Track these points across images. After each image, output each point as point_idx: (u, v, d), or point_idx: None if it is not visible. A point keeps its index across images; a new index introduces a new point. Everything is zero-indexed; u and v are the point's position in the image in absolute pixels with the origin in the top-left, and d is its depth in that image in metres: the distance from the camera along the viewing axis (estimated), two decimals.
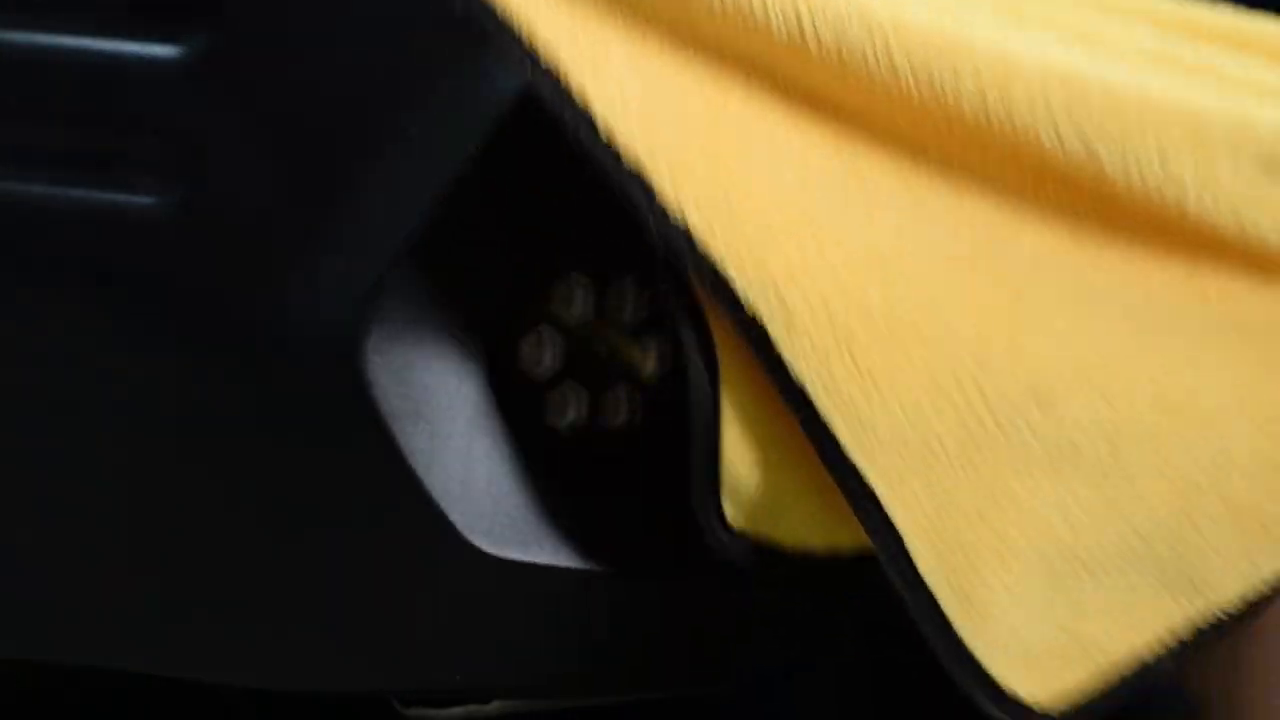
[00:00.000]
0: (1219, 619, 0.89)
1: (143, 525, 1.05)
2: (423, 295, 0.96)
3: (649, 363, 1.06)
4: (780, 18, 0.80)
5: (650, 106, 0.82)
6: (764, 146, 0.82)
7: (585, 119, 0.81)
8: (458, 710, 1.18)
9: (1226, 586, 0.88)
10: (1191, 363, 0.85)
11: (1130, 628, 0.88)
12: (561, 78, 0.81)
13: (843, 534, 0.91)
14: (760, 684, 1.38)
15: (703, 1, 0.81)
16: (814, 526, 0.91)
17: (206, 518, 1.03)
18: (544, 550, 0.99)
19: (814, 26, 0.79)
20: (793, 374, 0.84)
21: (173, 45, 1.01)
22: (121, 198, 1.02)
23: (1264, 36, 0.86)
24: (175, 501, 1.03)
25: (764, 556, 0.92)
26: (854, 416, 0.84)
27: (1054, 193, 0.83)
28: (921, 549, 0.87)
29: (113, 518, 1.05)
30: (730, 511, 0.90)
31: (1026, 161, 0.82)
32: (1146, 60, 0.83)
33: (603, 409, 1.05)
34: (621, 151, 0.82)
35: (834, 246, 0.82)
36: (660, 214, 0.82)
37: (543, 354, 1.03)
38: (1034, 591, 0.87)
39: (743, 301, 0.84)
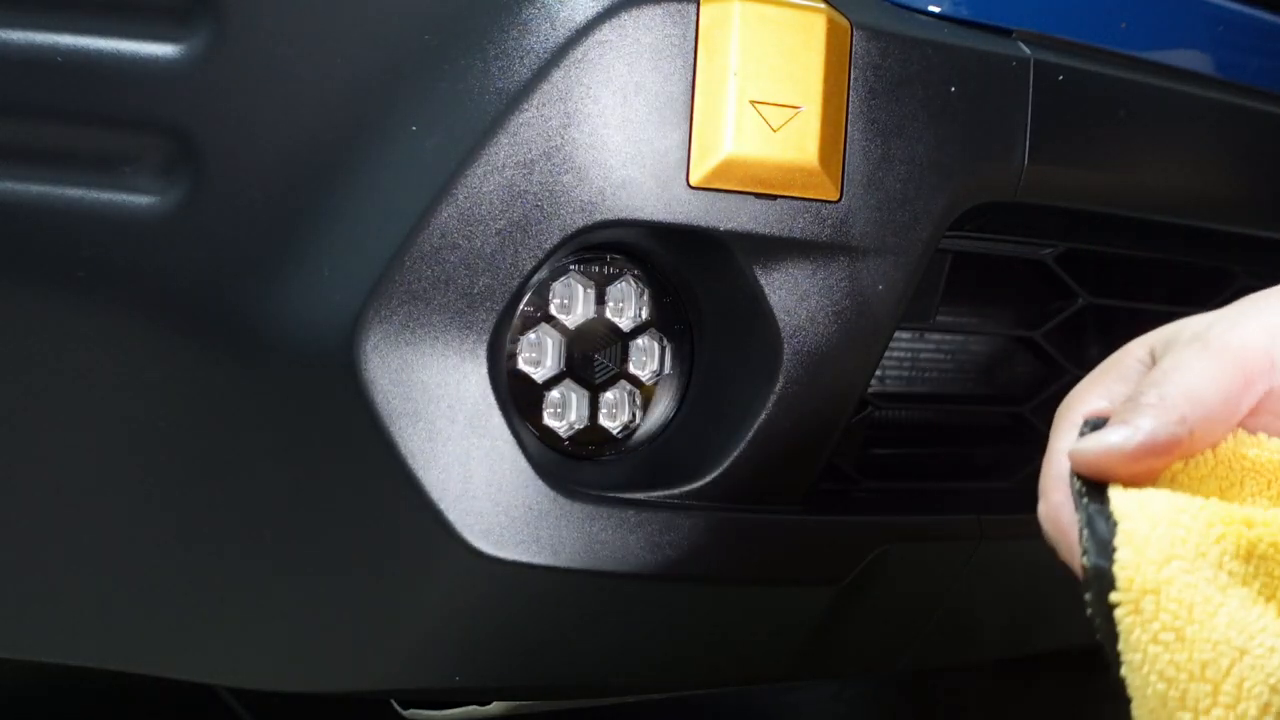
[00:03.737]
0: None
1: (141, 524, 1.05)
2: (423, 295, 0.96)
3: (649, 363, 1.06)
4: None
5: None
6: None
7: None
8: (457, 711, 1.17)
9: None
10: None
11: None
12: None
13: None
14: (760, 685, 1.37)
15: None
16: None
17: (205, 517, 1.03)
18: (544, 550, 0.99)
19: None
20: None
21: (173, 45, 1.01)
22: (121, 197, 1.02)
23: None
24: (174, 500, 1.03)
25: None
26: None
27: None
28: None
29: (112, 517, 1.05)
30: None
31: None
32: None
33: (602, 409, 1.05)
34: None
35: None
36: None
37: (543, 354, 1.03)
38: None
39: None
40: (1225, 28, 1.27)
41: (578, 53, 0.97)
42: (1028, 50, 1.10)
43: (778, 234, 1.01)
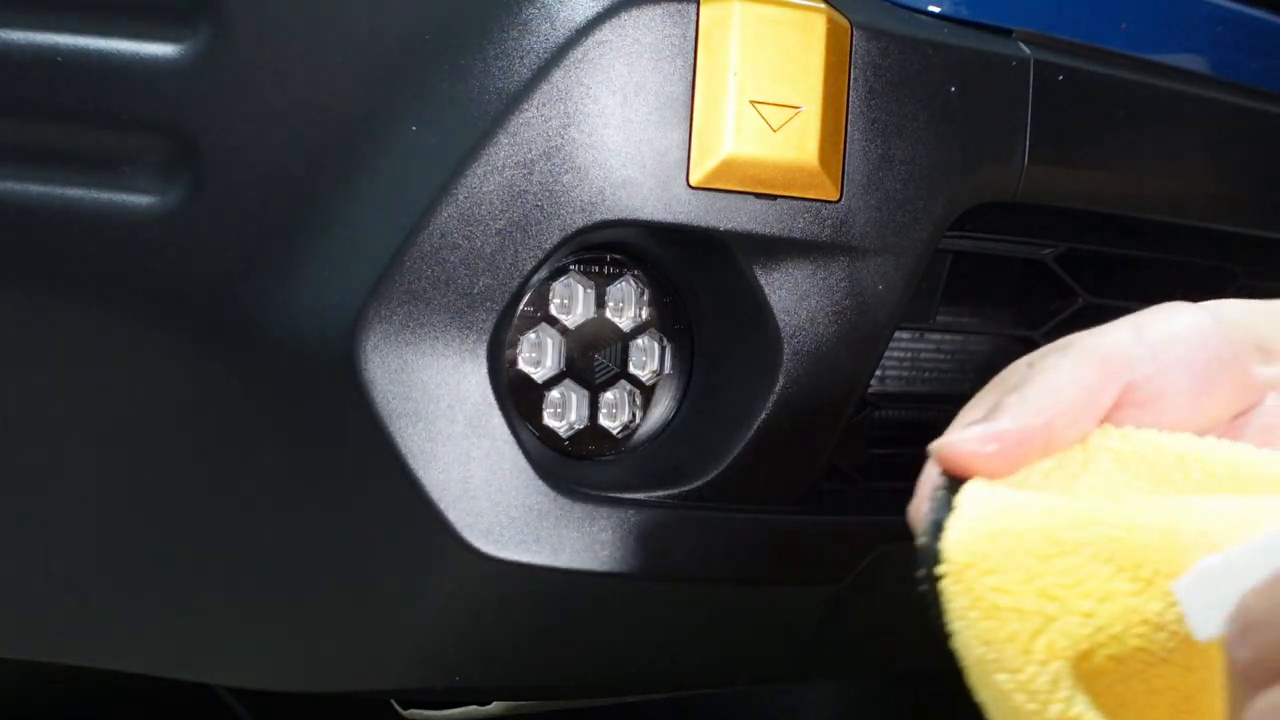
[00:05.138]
0: None
1: (141, 524, 1.05)
2: (423, 295, 0.96)
3: (649, 363, 1.06)
4: None
5: None
6: None
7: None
8: (457, 711, 1.17)
9: None
10: None
11: None
12: None
13: None
14: (760, 685, 1.37)
15: None
16: None
17: (205, 517, 1.03)
18: (544, 550, 0.99)
19: None
20: None
21: (173, 45, 1.01)
22: (121, 198, 1.02)
23: None
24: (174, 500, 1.03)
25: None
26: None
27: None
28: None
29: (111, 517, 1.05)
30: None
31: None
32: None
33: (602, 409, 1.05)
34: None
35: None
36: None
37: (543, 354, 1.03)
38: None
39: None
40: (1225, 28, 1.27)
41: (578, 53, 0.97)
42: (1028, 50, 1.10)
43: (778, 234, 1.01)
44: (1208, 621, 0.64)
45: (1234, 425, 0.80)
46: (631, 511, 1.01)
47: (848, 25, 1.02)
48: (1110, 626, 0.67)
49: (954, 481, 0.73)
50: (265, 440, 1.00)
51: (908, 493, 0.73)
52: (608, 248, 1.03)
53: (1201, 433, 0.78)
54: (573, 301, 1.03)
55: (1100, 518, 0.69)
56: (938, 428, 1.32)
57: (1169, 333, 0.78)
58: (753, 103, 0.99)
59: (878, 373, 1.20)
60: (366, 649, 1.03)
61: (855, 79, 1.02)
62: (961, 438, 0.74)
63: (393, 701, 1.18)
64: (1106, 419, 0.76)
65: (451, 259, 0.96)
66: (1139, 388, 0.77)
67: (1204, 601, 0.64)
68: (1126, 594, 0.67)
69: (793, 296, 1.02)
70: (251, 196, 0.99)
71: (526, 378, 1.02)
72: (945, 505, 0.72)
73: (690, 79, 0.98)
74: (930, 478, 0.75)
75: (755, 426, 1.03)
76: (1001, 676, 0.68)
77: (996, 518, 0.70)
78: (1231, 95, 1.24)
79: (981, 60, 1.08)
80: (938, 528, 0.71)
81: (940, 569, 0.70)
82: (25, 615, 1.09)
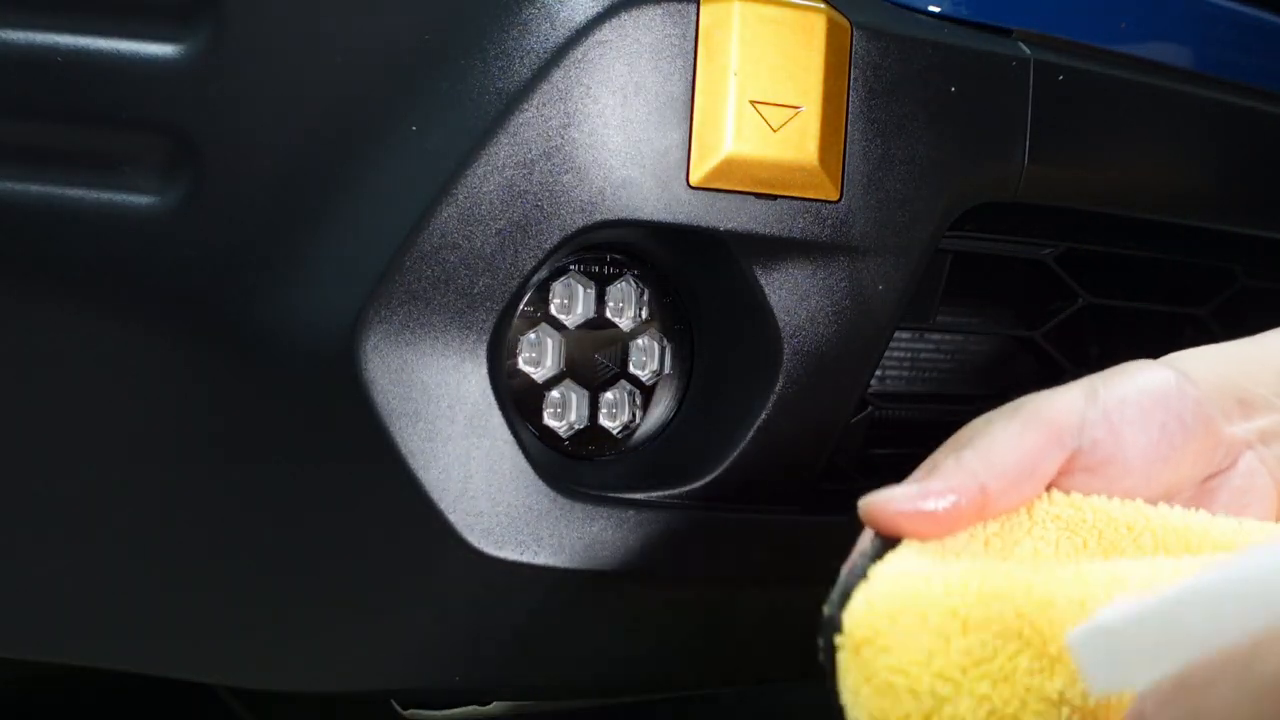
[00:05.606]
0: None
1: (141, 524, 1.05)
2: (423, 295, 0.96)
3: (649, 363, 1.06)
4: None
5: None
6: None
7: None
8: (457, 711, 1.18)
9: None
10: None
11: None
12: None
13: None
14: (761, 685, 1.37)
15: None
16: None
17: (204, 516, 1.03)
18: (544, 550, 0.99)
19: None
20: None
21: (173, 45, 1.01)
22: (121, 198, 1.02)
23: None
24: (173, 500, 1.03)
25: None
26: None
27: None
28: None
29: (111, 517, 1.05)
30: None
31: None
32: None
33: (602, 409, 1.05)
34: None
35: None
36: None
37: (543, 354, 1.03)
38: None
39: None
40: (1226, 28, 1.27)
41: (578, 53, 0.97)
42: (1028, 50, 1.10)
43: (778, 234, 1.01)
44: (1100, 679, 0.63)
45: (1205, 489, 0.77)
46: (631, 511, 1.01)
47: (848, 25, 1.02)
48: (1005, 707, 0.66)
49: (887, 542, 0.71)
50: (265, 440, 1.00)
51: None
52: (608, 248, 1.03)
53: (1167, 497, 0.75)
54: (573, 301, 1.03)
55: (1010, 593, 0.68)
56: (938, 428, 1.32)
57: (1126, 395, 0.74)
58: (753, 103, 0.99)
59: (878, 373, 1.20)
60: (366, 649, 1.03)
61: (855, 79, 1.02)
62: (888, 497, 0.71)
63: (393, 701, 1.18)
64: (1056, 484, 0.74)
65: (451, 259, 0.96)
66: (1090, 453, 0.74)
67: (1098, 657, 0.63)
68: (1027, 672, 0.66)
69: (793, 296, 1.02)
70: (251, 196, 0.99)
71: (526, 378, 1.03)
72: (860, 573, 0.70)
73: (690, 79, 0.98)
74: (864, 538, 0.73)
75: (755, 426, 1.03)
76: None
77: (904, 592, 0.68)
78: (1232, 95, 1.24)
79: (981, 60, 1.08)
80: (845, 597, 0.69)
81: (839, 640, 0.69)
82: (25, 615, 1.09)
